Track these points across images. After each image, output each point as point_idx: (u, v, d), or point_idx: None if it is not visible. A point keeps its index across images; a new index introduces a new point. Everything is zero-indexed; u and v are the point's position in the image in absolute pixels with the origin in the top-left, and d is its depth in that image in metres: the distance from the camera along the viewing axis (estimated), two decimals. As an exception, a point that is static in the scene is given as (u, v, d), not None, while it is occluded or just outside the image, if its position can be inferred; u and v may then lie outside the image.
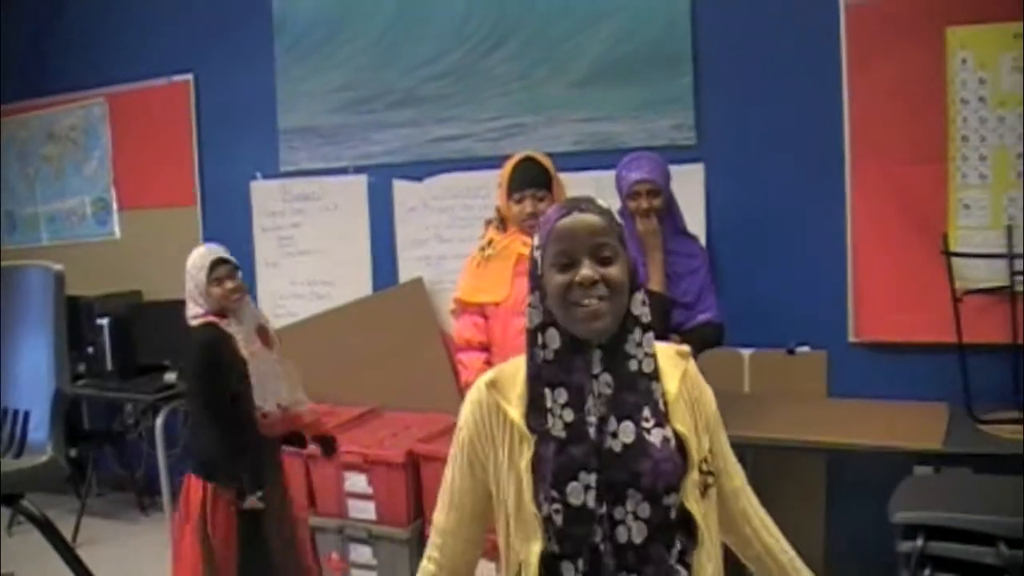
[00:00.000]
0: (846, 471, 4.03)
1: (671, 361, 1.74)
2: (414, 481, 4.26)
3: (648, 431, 1.64)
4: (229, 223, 5.58)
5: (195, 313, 3.58)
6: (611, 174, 4.05)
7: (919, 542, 2.85)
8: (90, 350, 5.48)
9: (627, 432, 1.62)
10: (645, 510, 1.62)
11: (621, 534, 1.61)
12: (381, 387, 4.30)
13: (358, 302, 4.83)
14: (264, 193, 5.49)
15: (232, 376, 3.49)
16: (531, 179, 3.41)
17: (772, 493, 4.15)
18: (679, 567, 1.67)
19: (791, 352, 4.12)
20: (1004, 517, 2.75)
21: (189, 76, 5.69)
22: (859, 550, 3.92)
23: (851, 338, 4.05)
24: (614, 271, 1.63)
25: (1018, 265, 3.67)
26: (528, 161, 3.47)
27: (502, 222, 3.53)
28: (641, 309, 1.68)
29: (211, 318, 3.53)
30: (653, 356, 1.68)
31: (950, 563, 2.84)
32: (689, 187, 4.24)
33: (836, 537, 4.10)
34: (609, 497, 1.61)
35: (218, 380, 3.47)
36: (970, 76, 3.75)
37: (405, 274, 5.06)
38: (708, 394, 1.79)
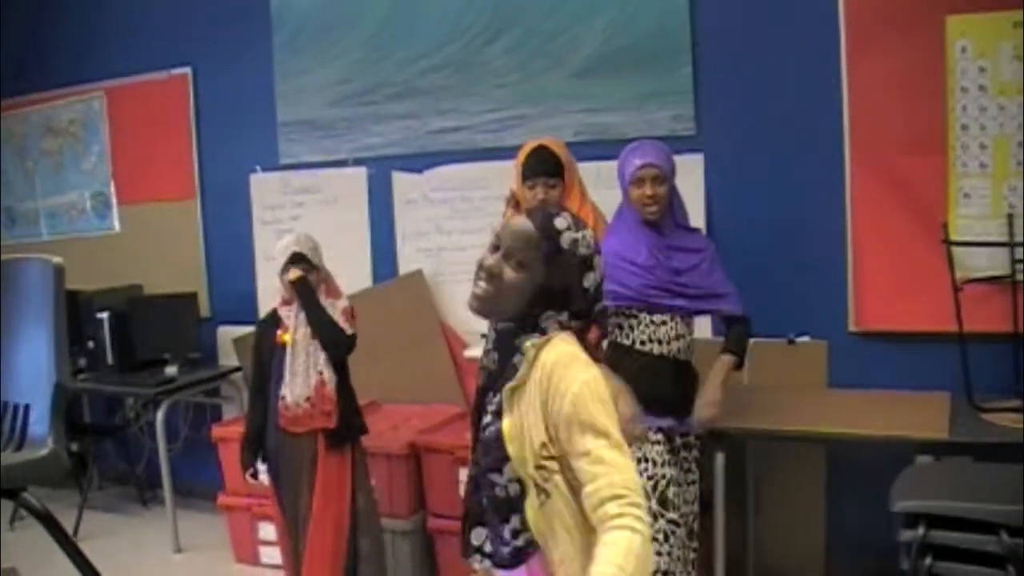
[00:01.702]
0: (847, 461, 4.03)
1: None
2: (415, 473, 4.27)
3: (493, 421, 1.91)
4: (229, 216, 5.58)
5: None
6: (612, 164, 4.04)
7: (920, 531, 2.85)
8: (90, 344, 5.49)
9: (487, 418, 1.93)
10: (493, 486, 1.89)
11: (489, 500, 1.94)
12: (381, 379, 4.31)
13: (358, 294, 4.81)
14: (264, 186, 5.49)
15: (269, 360, 3.80)
16: (542, 168, 3.47)
17: (773, 483, 4.20)
18: (510, 538, 1.89)
19: (791, 342, 4.12)
20: (1005, 505, 2.75)
21: (188, 69, 5.69)
22: (860, 539, 3.93)
23: (851, 328, 4.04)
24: (504, 270, 1.90)
25: (1019, 254, 3.67)
26: (541, 150, 3.51)
27: (518, 204, 3.57)
28: (547, 323, 1.91)
29: (278, 304, 3.88)
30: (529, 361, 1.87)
31: (951, 552, 2.84)
32: (689, 178, 4.23)
33: (837, 526, 4.11)
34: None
35: (258, 363, 3.87)
36: (970, 65, 3.74)
37: (405, 266, 5.06)
38: (565, 396, 1.80)
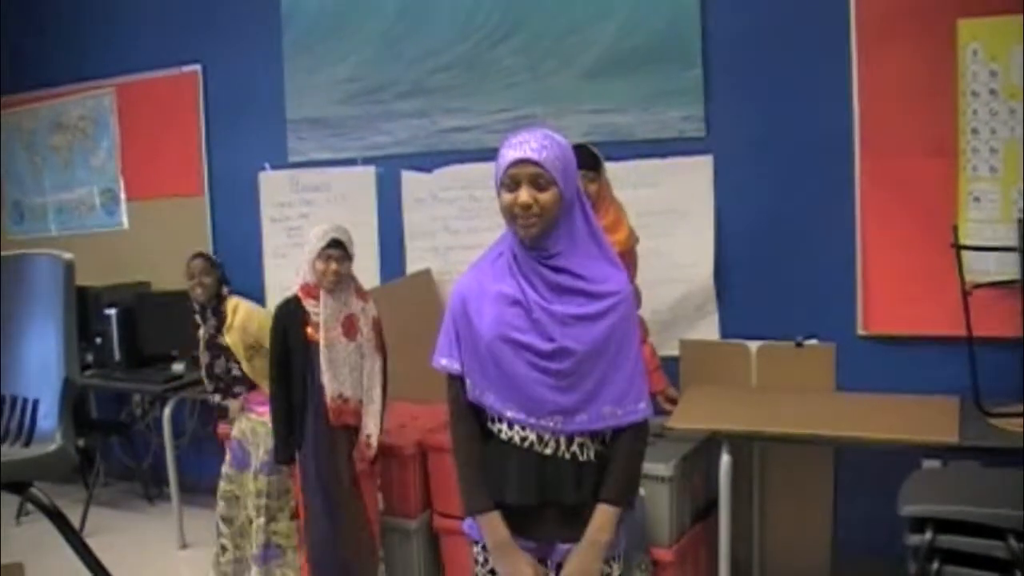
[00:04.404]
0: (854, 464, 4.02)
1: None
2: (422, 472, 4.26)
3: None
4: (237, 214, 5.59)
5: (295, 280, 3.86)
6: (621, 166, 4.07)
7: (928, 535, 2.84)
8: (98, 340, 5.50)
9: None
10: None
11: None
12: (388, 378, 4.30)
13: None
14: (272, 184, 5.50)
15: (294, 351, 3.75)
16: (581, 163, 3.29)
17: (780, 486, 4.20)
18: None
19: (799, 345, 4.11)
20: (1013, 510, 2.74)
21: (197, 67, 5.70)
22: (867, 543, 3.92)
23: (860, 331, 4.03)
24: None
25: (1029, 258, 3.66)
26: (579, 148, 3.39)
27: None
28: None
29: (299, 292, 3.77)
30: None
31: (958, 556, 2.83)
32: (698, 179, 4.24)
33: (844, 530, 4.10)
34: None
35: (282, 351, 3.77)
36: (981, 68, 3.73)
37: (413, 265, 5.07)
38: None
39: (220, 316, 4.32)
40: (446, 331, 2.39)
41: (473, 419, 2.37)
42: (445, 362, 2.39)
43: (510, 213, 2.22)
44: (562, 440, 2.27)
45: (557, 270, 2.24)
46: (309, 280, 3.74)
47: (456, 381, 2.38)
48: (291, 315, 3.76)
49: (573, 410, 2.24)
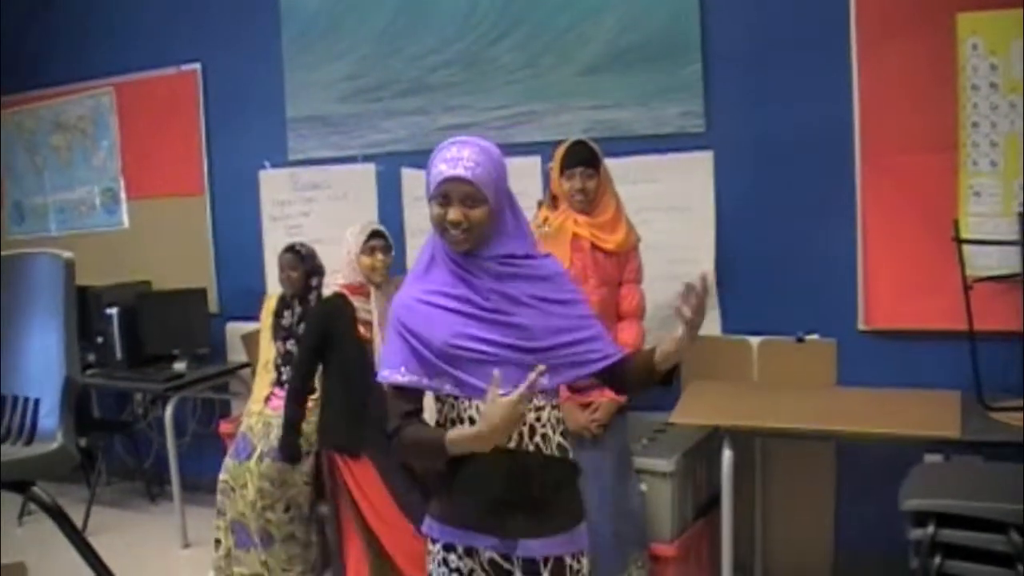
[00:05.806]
0: (856, 459, 4.02)
1: None
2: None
3: None
4: (238, 212, 5.59)
5: (334, 281, 3.80)
6: (621, 161, 4.06)
7: (930, 529, 2.85)
8: (99, 340, 5.50)
9: None
10: None
11: None
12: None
13: (366, 291, 4.82)
14: (273, 182, 5.49)
15: (342, 348, 3.66)
16: (580, 158, 3.58)
17: (782, 480, 4.20)
18: None
19: (800, 340, 4.11)
20: (1014, 504, 2.75)
21: (197, 65, 5.69)
22: (869, 537, 3.92)
23: (861, 326, 4.03)
24: None
25: (1030, 252, 3.66)
26: (579, 144, 3.63)
27: (553, 200, 3.69)
28: None
29: (344, 291, 3.71)
30: None
31: (961, 550, 2.83)
32: (698, 175, 4.23)
33: (846, 525, 4.10)
34: None
35: (327, 350, 3.69)
36: (981, 62, 3.73)
37: (413, 261, 5.05)
38: None
39: (306, 306, 4.23)
40: (390, 343, 2.29)
41: (419, 423, 2.27)
42: (387, 373, 2.25)
43: (440, 227, 2.23)
44: (524, 432, 2.22)
45: (500, 261, 2.25)
46: (354, 280, 3.72)
47: (399, 394, 2.26)
48: (339, 311, 3.68)
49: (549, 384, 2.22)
